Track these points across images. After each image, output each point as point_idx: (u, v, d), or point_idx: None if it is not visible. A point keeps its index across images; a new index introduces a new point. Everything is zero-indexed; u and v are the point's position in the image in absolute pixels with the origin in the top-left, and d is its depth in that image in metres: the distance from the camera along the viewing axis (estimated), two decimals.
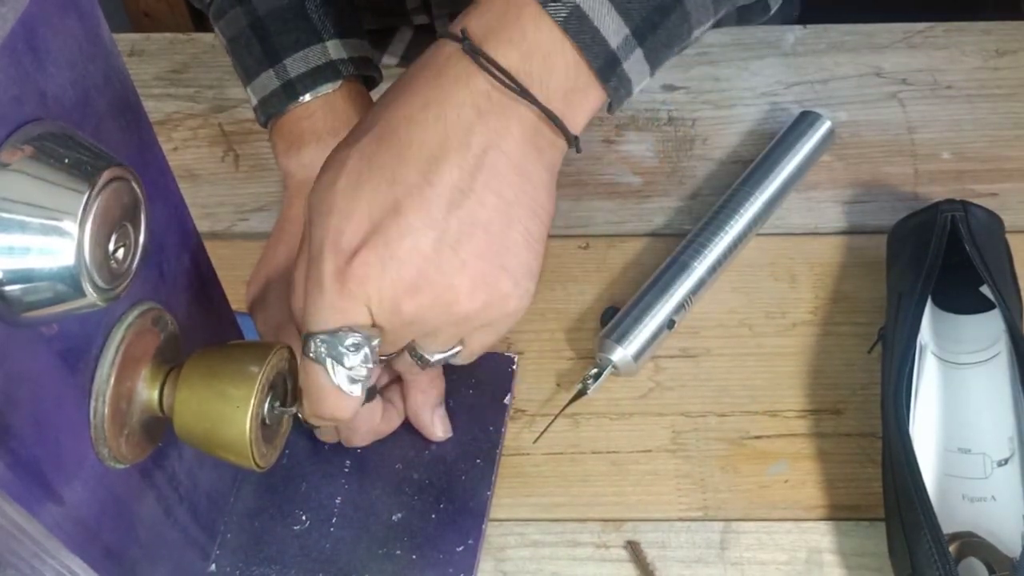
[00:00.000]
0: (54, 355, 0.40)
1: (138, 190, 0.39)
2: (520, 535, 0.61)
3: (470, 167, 0.42)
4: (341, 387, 0.45)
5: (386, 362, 0.49)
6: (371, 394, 0.58)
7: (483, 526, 0.60)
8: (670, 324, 0.65)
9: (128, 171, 0.38)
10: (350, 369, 0.44)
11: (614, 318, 0.66)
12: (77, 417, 0.42)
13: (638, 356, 0.64)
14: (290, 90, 0.59)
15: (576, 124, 0.45)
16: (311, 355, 0.44)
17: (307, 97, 0.59)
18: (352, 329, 0.43)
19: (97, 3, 0.41)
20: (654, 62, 0.46)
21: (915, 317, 0.62)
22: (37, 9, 0.37)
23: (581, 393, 0.64)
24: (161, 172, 0.48)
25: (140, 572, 0.49)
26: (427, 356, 0.47)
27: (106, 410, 0.43)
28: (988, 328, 0.64)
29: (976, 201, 0.66)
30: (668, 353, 0.67)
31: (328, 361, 0.44)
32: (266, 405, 0.46)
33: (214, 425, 0.45)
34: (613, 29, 0.43)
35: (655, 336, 0.65)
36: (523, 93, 0.42)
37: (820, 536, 0.60)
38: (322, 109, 0.59)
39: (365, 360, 0.44)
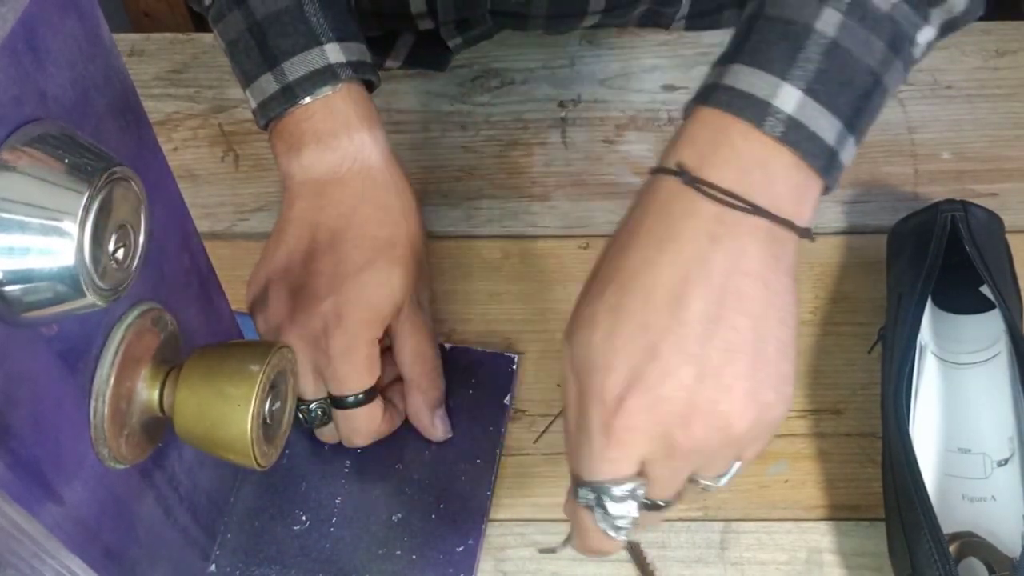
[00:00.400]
0: (54, 355, 0.40)
1: (138, 190, 0.39)
2: (520, 535, 0.61)
3: (716, 296, 0.43)
4: (607, 532, 0.46)
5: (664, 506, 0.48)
6: (371, 395, 0.58)
7: (483, 526, 0.60)
8: None
9: (128, 171, 0.38)
10: (617, 518, 0.45)
11: None
12: (77, 417, 0.42)
13: None
14: (289, 93, 0.59)
15: (805, 219, 0.45)
16: (580, 501, 0.46)
17: (307, 100, 0.59)
18: (619, 481, 0.44)
19: (97, 3, 0.41)
20: (861, 139, 0.47)
21: (915, 317, 0.62)
22: (37, 9, 0.37)
23: None
24: (161, 172, 0.48)
25: (140, 572, 0.49)
26: (711, 483, 0.47)
27: (106, 410, 0.43)
28: (988, 328, 0.64)
29: (976, 201, 0.66)
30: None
31: (597, 510, 0.45)
32: (267, 404, 0.46)
33: (215, 424, 0.45)
34: (827, 127, 0.44)
35: None
36: (754, 210, 0.43)
37: (820, 536, 0.60)
38: (321, 111, 0.59)
39: (630, 509, 0.45)
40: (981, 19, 0.53)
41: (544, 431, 0.64)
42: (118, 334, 0.44)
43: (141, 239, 0.40)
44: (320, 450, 0.63)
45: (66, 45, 0.39)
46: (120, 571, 0.47)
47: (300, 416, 0.60)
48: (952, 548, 0.56)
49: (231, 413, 0.45)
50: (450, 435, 0.63)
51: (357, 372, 0.57)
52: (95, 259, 0.37)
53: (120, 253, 0.38)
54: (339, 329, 0.56)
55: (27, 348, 0.38)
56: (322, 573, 0.59)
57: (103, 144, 0.39)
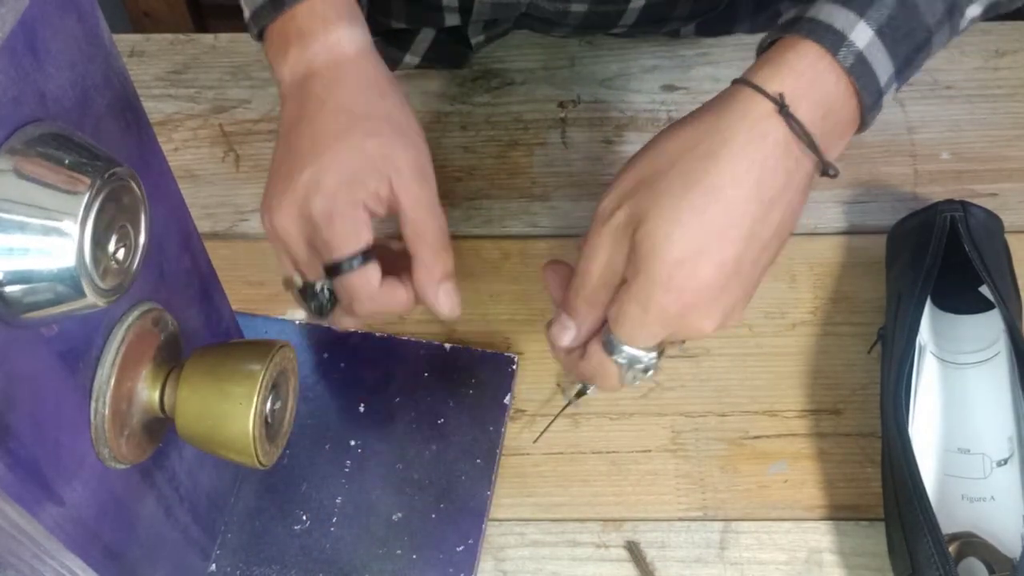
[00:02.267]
0: (54, 356, 0.40)
1: (138, 191, 0.39)
2: (520, 535, 0.61)
3: (765, 215, 0.50)
4: (624, 382, 0.53)
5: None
6: (366, 259, 0.56)
7: (483, 525, 0.60)
8: None
9: (128, 172, 0.38)
10: (642, 371, 0.53)
11: None
12: (77, 418, 0.42)
13: None
14: (277, 1, 0.60)
15: (834, 156, 0.52)
16: (616, 359, 0.52)
17: (292, 5, 0.59)
18: (652, 348, 0.52)
19: (97, 4, 0.41)
20: (899, 89, 0.53)
21: (914, 317, 0.62)
22: (37, 10, 0.37)
23: (581, 393, 0.64)
24: (161, 173, 0.48)
25: (140, 572, 0.49)
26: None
27: (107, 411, 0.43)
28: (987, 328, 0.64)
29: (976, 201, 0.66)
30: (668, 353, 0.67)
31: (627, 370, 0.52)
32: (268, 403, 0.46)
33: (217, 423, 0.45)
34: (884, 70, 0.50)
35: None
36: (818, 155, 0.50)
37: (820, 536, 0.61)
38: (303, 12, 0.60)
39: (651, 364, 0.53)
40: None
41: (544, 431, 0.64)
42: (119, 334, 0.44)
43: (141, 239, 0.40)
44: (321, 450, 0.63)
45: (66, 46, 0.39)
46: (120, 571, 0.47)
47: (312, 306, 0.58)
48: (952, 548, 0.56)
49: (233, 411, 0.45)
50: (457, 313, 0.59)
51: (341, 235, 0.56)
52: (95, 260, 0.37)
53: (120, 253, 0.39)
54: (318, 195, 0.56)
55: (27, 349, 0.38)
56: (322, 573, 0.59)
57: (103, 144, 0.39)
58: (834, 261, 0.71)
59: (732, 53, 0.82)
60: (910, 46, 0.51)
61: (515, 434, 0.65)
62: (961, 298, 0.65)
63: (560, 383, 0.67)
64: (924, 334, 0.64)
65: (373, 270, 0.57)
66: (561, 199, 0.75)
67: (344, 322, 0.60)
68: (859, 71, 0.49)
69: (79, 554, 0.43)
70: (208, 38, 0.83)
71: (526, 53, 0.82)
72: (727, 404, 0.66)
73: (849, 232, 0.73)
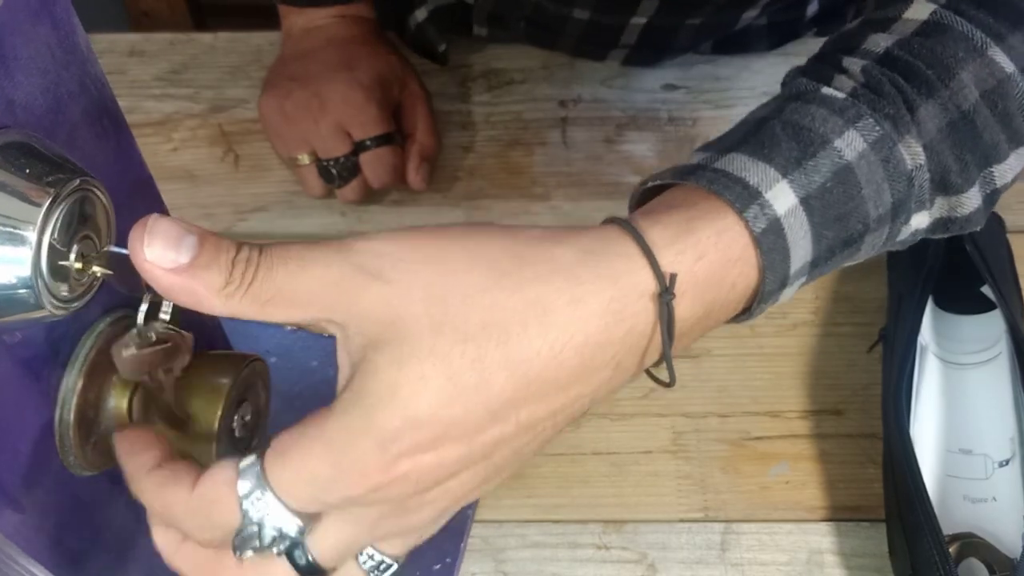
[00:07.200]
0: (16, 362, 0.39)
1: (105, 202, 0.38)
2: (521, 536, 0.61)
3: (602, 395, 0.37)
4: None
5: None
6: (389, 139, 0.71)
7: (462, 545, 0.60)
8: None
9: (94, 183, 0.38)
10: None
11: None
12: (39, 424, 0.41)
13: None
14: None
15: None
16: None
17: None
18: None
19: (73, 11, 0.40)
20: (791, 293, 0.40)
21: (916, 317, 0.62)
22: (7, 17, 0.36)
23: None
24: (141, 180, 0.47)
25: None
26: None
27: (71, 418, 0.42)
28: (989, 328, 0.64)
29: None
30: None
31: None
32: (235, 418, 0.46)
33: (182, 436, 0.44)
34: (800, 254, 0.38)
35: None
36: (667, 364, 0.37)
37: (821, 537, 0.60)
38: None
39: None
40: None
41: None
42: (87, 342, 0.43)
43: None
44: None
45: (37, 53, 0.38)
46: None
47: (322, 180, 0.72)
48: (952, 549, 0.56)
49: (198, 424, 0.44)
50: (424, 188, 0.73)
51: (376, 119, 0.71)
52: (53, 270, 0.36)
53: (80, 264, 0.37)
54: (359, 88, 0.71)
55: None
56: None
57: (77, 152, 0.38)
58: None
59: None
60: (839, 235, 0.39)
61: None
62: (963, 298, 0.65)
63: None
64: (925, 334, 0.64)
65: (394, 147, 0.72)
66: (561, 199, 0.75)
67: (348, 195, 0.72)
68: (770, 243, 0.37)
69: (40, 560, 0.42)
70: (207, 37, 0.83)
71: (526, 52, 0.82)
72: (728, 405, 0.65)
73: None
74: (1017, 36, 0.42)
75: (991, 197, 0.43)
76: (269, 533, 0.34)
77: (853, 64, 0.42)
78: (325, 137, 0.70)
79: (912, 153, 0.40)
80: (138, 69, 0.81)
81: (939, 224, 0.43)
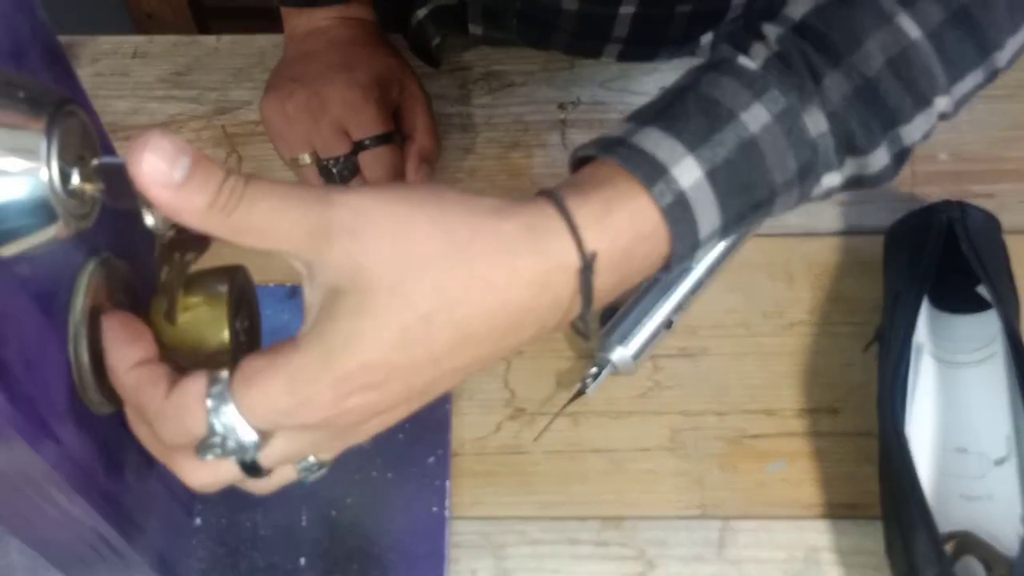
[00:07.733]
0: (30, 297, 0.40)
1: (87, 121, 0.40)
2: (520, 533, 0.61)
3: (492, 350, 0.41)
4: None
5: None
6: (388, 139, 0.71)
7: (447, 436, 0.64)
8: (668, 324, 0.66)
9: (77, 105, 0.39)
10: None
11: (613, 318, 0.66)
12: (60, 361, 0.42)
13: (637, 355, 0.65)
14: None
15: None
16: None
17: None
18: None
19: None
20: (708, 251, 0.44)
21: (911, 317, 0.62)
22: None
23: (581, 392, 0.64)
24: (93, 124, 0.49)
25: (136, 519, 0.50)
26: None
27: (86, 355, 0.43)
28: (985, 328, 0.64)
29: (972, 202, 0.66)
30: (667, 352, 0.68)
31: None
32: (238, 321, 0.47)
33: (197, 344, 0.45)
34: (707, 222, 0.42)
35: (654, 336, 0.65)
36: (583, 325, 0.42)
37: (818, 534, 0.61)
38: None
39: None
40: None
41: (544, 430, 0.64)
42: (83, 281, 0.44)
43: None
44: None
45: None
46: (119, 517, 0.47)
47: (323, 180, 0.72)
48: (949, 547, 0.56)
49: (209, 342, 0.45)
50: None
51: (375, 119, 0.70)
52: (64, 184, 0.37)
53: (82, 180, 0.39)
54: (357, 87, 0.71)
55: (8, 287, 0.38)
56: (305, 507, 0.62)
57: None
58: (832, 261, 0.71)
59: None
60: (746, 202, 0.42)
61: (515, 433, 0.65)
62: (958, 298, 0.66)
63: (560, 381, 0.67)
64: (921, 334, 0.64)
65: (393, 147, 0.72)
66: None
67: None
68: (676, 215, 0.41)
69: (80, 494, 0.43)
70: (210, 40, 0.83)
71: (526, 55, 0.82)
72: (725, 403, 0.66)
73: (847, 233, 0.73)
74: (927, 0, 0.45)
75: (900, 155, 0.47)
76: (230, 444, 0.39)
77: (771, 31, 0.45)
78: (325, 137, 0.71)
79: (815, 121, 0.43)
80: (142, 71, 0.81)
81: (851, 181, 0.46)
